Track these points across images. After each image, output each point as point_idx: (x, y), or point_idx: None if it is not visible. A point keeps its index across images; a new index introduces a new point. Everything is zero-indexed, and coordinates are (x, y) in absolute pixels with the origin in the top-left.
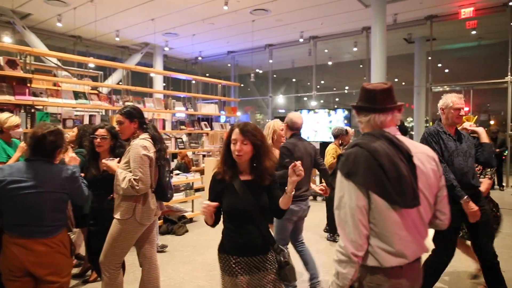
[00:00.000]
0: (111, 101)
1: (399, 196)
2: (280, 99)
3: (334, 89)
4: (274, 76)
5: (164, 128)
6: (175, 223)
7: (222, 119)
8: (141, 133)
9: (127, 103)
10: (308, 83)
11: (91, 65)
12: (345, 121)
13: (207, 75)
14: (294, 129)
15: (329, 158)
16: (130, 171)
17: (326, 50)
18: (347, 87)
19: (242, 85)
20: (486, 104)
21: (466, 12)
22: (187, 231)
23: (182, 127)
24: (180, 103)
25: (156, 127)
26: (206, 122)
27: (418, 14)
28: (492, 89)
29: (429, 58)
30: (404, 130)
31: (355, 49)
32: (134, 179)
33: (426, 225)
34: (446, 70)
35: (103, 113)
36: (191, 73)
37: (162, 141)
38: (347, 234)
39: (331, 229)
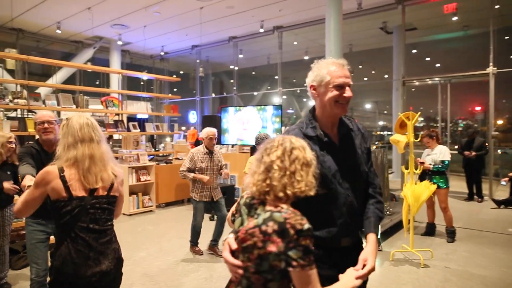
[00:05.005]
0: None
1: None
2: (266, 97)
3: None
4: (253, 73)
5: None
6: (16, 253)
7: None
8: None
9: (17, 100)
10: (294, 80)
11: None
12: (275, 119)
13: (181, 72)
14: None
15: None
16: None
17: (295, 43)
18: None
19: (209, 80)
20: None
21: None
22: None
23: (101, 128)
24: (98, 101)
25: None
26: (135, 123)
27: None
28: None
29: (411, 49)
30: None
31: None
32: None
33: None
34: (437, 65)
35: None
36: (158, 71)
37: None
38: None
39: None
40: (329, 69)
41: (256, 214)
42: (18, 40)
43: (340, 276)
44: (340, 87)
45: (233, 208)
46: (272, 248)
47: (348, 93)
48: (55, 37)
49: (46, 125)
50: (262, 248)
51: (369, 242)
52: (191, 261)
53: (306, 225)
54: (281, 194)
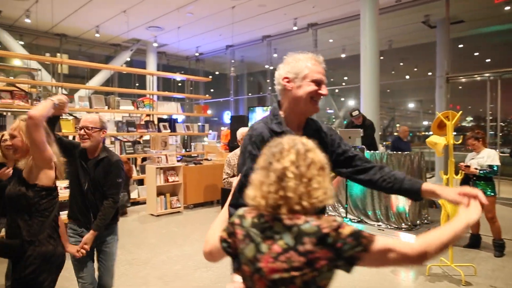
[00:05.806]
0: (29, 99)
1: None
2: None
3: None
4: None
5: None
6: None
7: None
8: None
9: None
10: (332, 79)
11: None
12: None
13: (217, 73)
14: None
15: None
16: None
17: (331, 40)
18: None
19: (243, 80)
20: None
21: None
22: None
23: (131, 128)
24: (129, 101)
25: None
26: (166, 123)
27: None
28: None
29: (458, 44)
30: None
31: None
32: None
33: None
34: (487, 60)
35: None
36: (193, 71)
37: None
38: None
39: None
40: (307, 63)
41: (275, 234)
42: (61, 44)
43: (460, 209)
44: (318, 83)
45: (223, 234)
46: (320, 263)
47: (324, 90)
48: (95, 40)
49: (82, 131)
50: (307, 273)
51: (440, 187)
52: (210, 267)
53: (338, 218)
54: (297, 207)
